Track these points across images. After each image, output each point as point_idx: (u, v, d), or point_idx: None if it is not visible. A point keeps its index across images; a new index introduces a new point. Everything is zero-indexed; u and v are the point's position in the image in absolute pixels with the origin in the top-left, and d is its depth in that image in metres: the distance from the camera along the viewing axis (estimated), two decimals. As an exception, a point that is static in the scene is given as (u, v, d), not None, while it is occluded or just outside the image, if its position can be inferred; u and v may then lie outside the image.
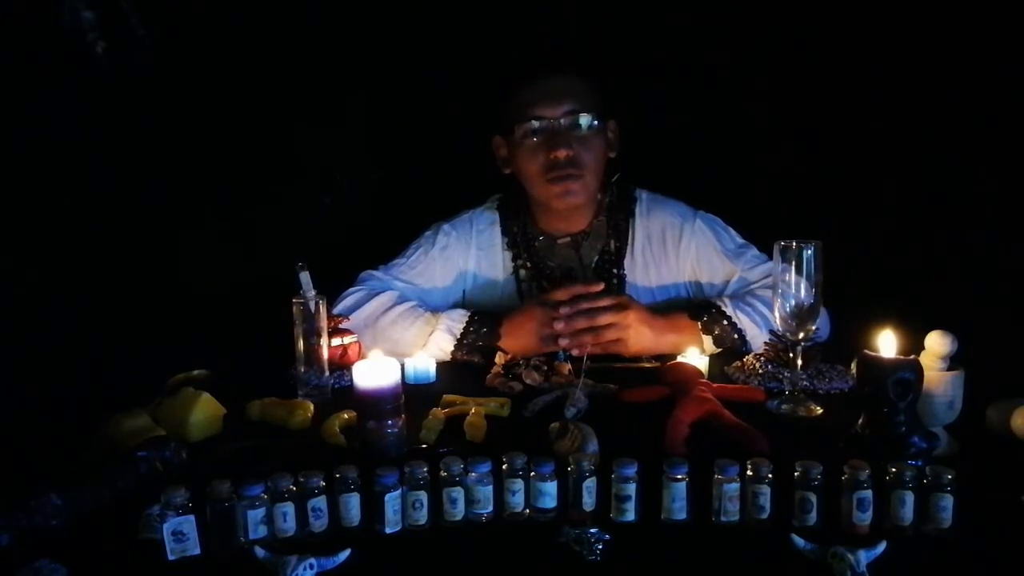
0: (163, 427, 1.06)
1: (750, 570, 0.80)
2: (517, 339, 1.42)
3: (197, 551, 0.80)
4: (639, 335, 1.38)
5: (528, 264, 1.63)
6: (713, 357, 1.39)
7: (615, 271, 1.61)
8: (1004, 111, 1.62)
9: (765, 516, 0.84)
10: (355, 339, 1.38)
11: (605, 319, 1.36)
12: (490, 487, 0.86)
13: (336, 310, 1.46)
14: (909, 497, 0.82)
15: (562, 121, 1.50)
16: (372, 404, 0.99)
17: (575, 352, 1.35)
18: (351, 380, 1.04)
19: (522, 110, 1.52)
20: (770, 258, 1.18)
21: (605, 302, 1.37)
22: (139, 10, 1.13)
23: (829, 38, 1.73)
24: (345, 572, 0.78)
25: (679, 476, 0.84)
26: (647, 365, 1.39)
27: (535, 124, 1.51)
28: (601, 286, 1.41)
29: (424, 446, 1.04)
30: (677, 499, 0.84)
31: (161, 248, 1.67)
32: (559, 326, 1.36)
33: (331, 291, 1.41)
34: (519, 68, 1.56)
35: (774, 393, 1.21)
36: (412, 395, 1.11)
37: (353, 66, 1.81)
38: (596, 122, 1.53)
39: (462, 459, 0.87)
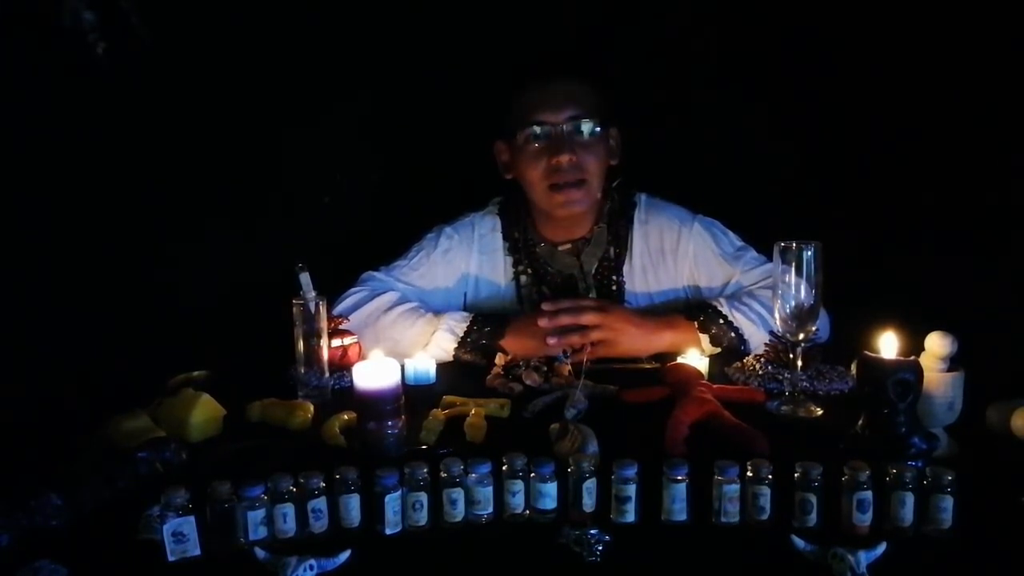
0: (163, 428, 1.06)
1: (750, 571, 0.80)
2: (521, 341, 1.42)
3: (197, 552, 0.80)
4: (626, 335, 1.39)
5: (529, 270, 1.63)
6: (713, 358, 1.39)
7: (614, 278, 1.61)
8: (1004, 110, 1.62)
9: (765, 517, 0.84)
10: (355, 340, 1.38)
11: (588, 317, 1.38)
12: (490, 488, 0.86)
13: (337, 310, 1.46)
14: (909, 498, 0.82)
15: (564, 127, 1.50)
16: (372, 405, 1.00)
17: (569, 352, 1.36)
18: (351, 381, 1.04)
19: (524, 115, 1.51)
20: (769, 259, 1.18)
21: (587, 303, 1.42)
22: (139, 10, 1.13)
23: (829, 39, 1.72)
24: (345, 573, 0.78)
25: (679, 477, 0.84)
26: (647, 366, 1.39)
27: (537, 129, 1.51)
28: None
29: (424, 447, 1.04)
30: (677, 500, 0.84)
31: (161, 248, 1.66)
32: (543, 322, 1.37)
33: (331, 292, 1.41)
34: (521, 72, 1.55)
35: (774, 394, 1.21)
36: (412, 396, 1.11)
37: (353, 66, 1.81)
38: (598, 128, 1.52)
39: (462, 460, 0.87)
